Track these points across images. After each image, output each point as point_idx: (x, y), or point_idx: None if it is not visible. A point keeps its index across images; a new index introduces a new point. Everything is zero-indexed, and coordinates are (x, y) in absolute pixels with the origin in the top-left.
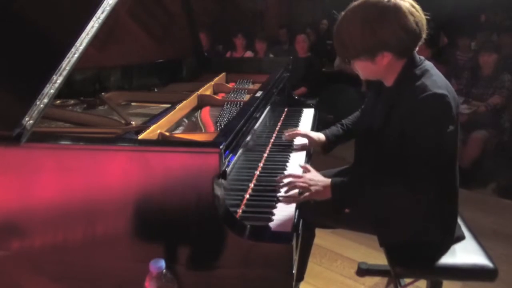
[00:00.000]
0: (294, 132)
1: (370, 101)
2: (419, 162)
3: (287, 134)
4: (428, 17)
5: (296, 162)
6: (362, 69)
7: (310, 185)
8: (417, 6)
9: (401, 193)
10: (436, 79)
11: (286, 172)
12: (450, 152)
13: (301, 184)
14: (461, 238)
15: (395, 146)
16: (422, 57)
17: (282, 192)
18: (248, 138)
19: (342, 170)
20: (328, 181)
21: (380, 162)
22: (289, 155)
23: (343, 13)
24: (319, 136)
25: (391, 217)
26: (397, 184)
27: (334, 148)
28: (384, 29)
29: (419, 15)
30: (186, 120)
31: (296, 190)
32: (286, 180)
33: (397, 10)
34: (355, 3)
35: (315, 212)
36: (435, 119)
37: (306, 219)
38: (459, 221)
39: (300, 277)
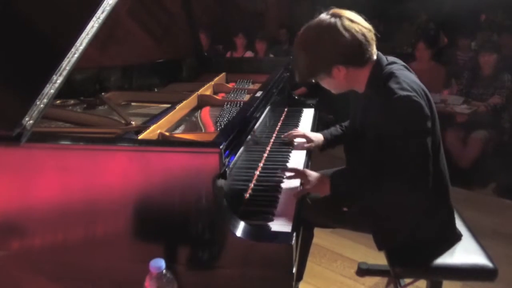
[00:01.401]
0: (293, 133)
1: (353, 107)
2: (400, 164)
3: (285, 135)
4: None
5: (296, 162)
6: (327, 85)
7: (311, 180)
8: (357, 17)
9: (390, 193)
10: (401, 81)
11: (286, 172)
12: (433, 148)
13: (303, 174)
14: (459, 237)
15: (374, 150)
16: (390, 59)
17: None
18: (248, 137)
19: (341, 170)
20: (327, 179)
21: (364, 165)
22: (289, 155)
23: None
24: (318, 136)
25: (384, 222)
26: (396, 182)
27: (330, 147)
28: (322, 48)
29: (357, 26)
30: (186, 120)
31: (297, 183)
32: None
33: (331, 29)
34: (300, 31)
35: (314, 212)
36: (405, 121)
37: (306, 219)
38: (457, 220)
39: (299, 276)
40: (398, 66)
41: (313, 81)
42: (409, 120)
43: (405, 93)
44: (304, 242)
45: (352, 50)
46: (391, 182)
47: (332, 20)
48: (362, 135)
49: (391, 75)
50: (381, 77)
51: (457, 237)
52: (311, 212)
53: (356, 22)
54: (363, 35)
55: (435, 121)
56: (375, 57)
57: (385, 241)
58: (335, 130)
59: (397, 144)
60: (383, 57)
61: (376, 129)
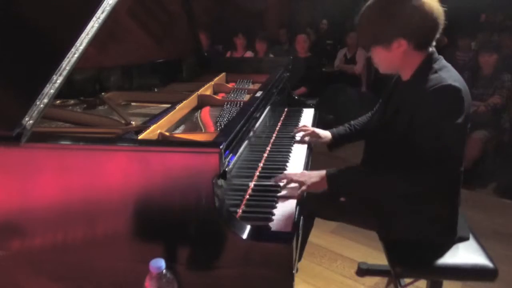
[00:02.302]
0: (302, 128)
1: (383, 100)
2: (423, 153)
3: (294, 132)
4: (445, 8)
5: (296, 162)
6: (380, 59)
7: (306, 179)
8: (439, 5)
9: (397, 182)
10: (453, 75)
11: (286, 172)
12: (456, 149)
13: (297, 178)
14: (464, 238)
15: (401, 138)
16: (441, 56)
17: (282, 191)
18: (249, 136)
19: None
20: (323, 172)
21: (386, 156)
22: (289, 155)
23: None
24: (326, 134)
25: (392, 213)
26: (394, 173)
27: (340, 147)
28: (401, 12)
29: (439, 11)
30: (186, 120)
31: (295, 185)
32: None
33: (418, 0)
34: None
35: (315, 202)
36: (446, 110)
37: (307, 208)
38: (464, 222)
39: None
40: (447, 63)
41: (368, 52)
42: (450, 110)
43: (456, 84)
44: (304, 230)
45: (424, 30)
46: (404, 169)
47: None
48: (389, 124)
49: (444, 67)
50: (432, 67)
51: (462, 239)
52: (312, 202)
53: (440, 8)
54: (439, 21)
55: (467, 124)
56: (431, 48)
57: (389, 233)
58: (344, 129)
59: (435, 131)
60: (436, 51)
61: (412, 114)
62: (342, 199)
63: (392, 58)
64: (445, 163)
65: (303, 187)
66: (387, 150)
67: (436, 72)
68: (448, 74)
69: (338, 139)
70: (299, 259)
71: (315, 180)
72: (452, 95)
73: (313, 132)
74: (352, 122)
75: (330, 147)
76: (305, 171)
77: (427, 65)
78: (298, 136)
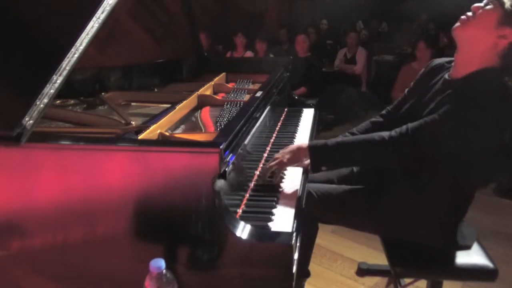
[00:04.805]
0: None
1: (416, 96)
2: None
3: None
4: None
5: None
6: (478, 23)
7: (281, 157)
8: None
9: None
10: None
11: (286, 172)
12: (478, 159)
13: (274, 163)
14: (467, 247)
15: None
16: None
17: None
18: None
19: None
20: (302, 143)
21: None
22: None
23: None
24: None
25: (392, 218)
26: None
27: None
28: None
29: None
30: (186, 120)
31: (298, 182)
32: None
33: None
34: None
35: (318, 207)
36: (498, 116)
37: (309, 213)
38: (471, 233)
39: (306, 273)
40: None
41: (483, 6)
42: (502, 118)
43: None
44: (309, 237)
45: None
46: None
47: None
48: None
49: (503, 85)
50: (493, 79)
51: (464, 247)
52: (314, 207)
53: None
54: None
55: (499, 143)
56: None
57: (390, 232)
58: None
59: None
60: None
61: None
62: (323, 168)
63: (482, 36)
64: (449, 160)
65: (282, 164)
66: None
67: (493, 84)
68: (504, 92)
69: None
70: (308, 274)
71: (290, 156)
72: (502, 103)
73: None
74: (354, 129)
75: None
76: (280, 151)
77: (490, 74)
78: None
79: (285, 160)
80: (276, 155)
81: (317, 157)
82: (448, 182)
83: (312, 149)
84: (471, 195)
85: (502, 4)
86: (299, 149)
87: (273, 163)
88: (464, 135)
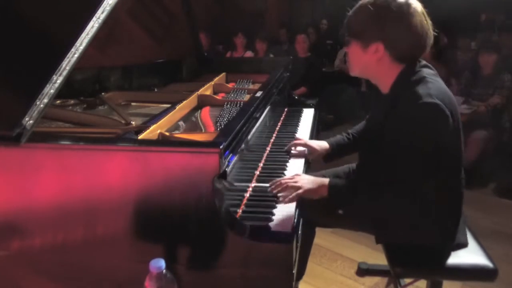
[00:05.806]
0: (294, 142)
1: (374, 109)
2: (411, 170)
3: (286, 148)
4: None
5: (296, 162)
6: (354, 57)
7: (302, 184)
8: (429, 20)
9: (393, 200)
10: (431, 87)
11: (286, 172)
12: (451, 158)
13: (293, 183)
14: (463, 245)
15: (391, 153)
16: (423, 62)
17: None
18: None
19: (342, 169)
20: (324, 180)
21: (378, 169)
22: (289, 155)
23: None
24: (321, 144)
25: (388, 219)
26: (390, 192)
27: (336, 157)
28: (390, 19)
29: (428, 28)
30: (186, 120)
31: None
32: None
33: (409, 8)
34: None
35: (315, 211)
36: (425, 128)
37: (307, 217)
38: (464, 228)
39: (299, 276)
40: (429, 71)
41: (346, 46)
42: (429, 128)
43: (431, 100)
44: (306, 241)
45: (407, 42)
46: (389, 193)
47: (417, 4)
48: (377, 139)
49: (422, 79)
50: (410, 80)
51: (461, 246)
52: (312, 211)
53: (429, 25)
54: (426, 40)
55: (459, 132)
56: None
57: (386, 237)
58: (342, 139)
59: (408, 152)
60: (421, 61)
61: (395, 132)
62: (340, 211)
63: (366, 62)
64: (441, 174)
65: (299, 191)
66: (378, 161)
67: (414, 86)
68: (425, 87)
69: (336, 150)
70: (300, 277)
71: (312, 187)
72: (430, 113)
73: (306, 144)
74: (349, 131)
75: (326, 158)
76: (303, 174)
77: (404, 78)
78: (293, 151)
79: (305, 189)
80: (296, 177)
81: (335, 204)
82: (432, 184)
83: (333, 200)
84: (458, 191)
85: (353, 34)
86: (322, 186)
87: (291, 182)
88: (413, 144)
